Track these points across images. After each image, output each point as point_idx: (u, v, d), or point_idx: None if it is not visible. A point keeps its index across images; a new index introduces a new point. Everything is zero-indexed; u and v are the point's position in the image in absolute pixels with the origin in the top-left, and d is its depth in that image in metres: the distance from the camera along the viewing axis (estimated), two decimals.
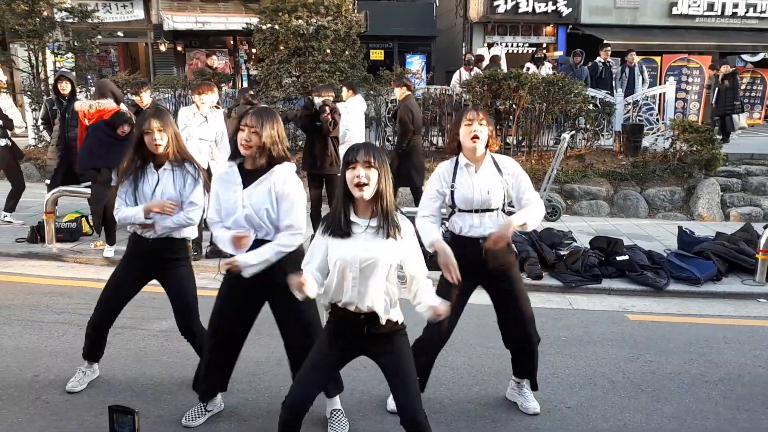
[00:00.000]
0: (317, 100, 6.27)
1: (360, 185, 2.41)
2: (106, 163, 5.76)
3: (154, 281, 3.49)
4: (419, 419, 2.51)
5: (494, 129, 3.35)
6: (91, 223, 6.68)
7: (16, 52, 12.98)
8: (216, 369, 3.19)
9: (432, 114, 10.28)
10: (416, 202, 6.85)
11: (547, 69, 11.87)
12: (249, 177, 2.92)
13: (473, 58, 12.38)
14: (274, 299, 3.05)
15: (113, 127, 5.86)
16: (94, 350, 3.59)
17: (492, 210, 3.21)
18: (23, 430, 3.13)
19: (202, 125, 6.04)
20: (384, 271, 2.47)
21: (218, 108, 6.34)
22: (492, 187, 3.18)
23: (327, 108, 6.22)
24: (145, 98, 6.69)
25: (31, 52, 10.89)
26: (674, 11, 16.39)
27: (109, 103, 6.32)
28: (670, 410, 3.54)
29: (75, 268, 6.00)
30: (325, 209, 6.62)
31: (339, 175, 7.45)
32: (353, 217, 2.49)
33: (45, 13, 10.70)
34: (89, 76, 12.23)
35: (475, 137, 3.14)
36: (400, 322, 2.60)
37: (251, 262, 2.84)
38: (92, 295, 4.72)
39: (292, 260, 2.86)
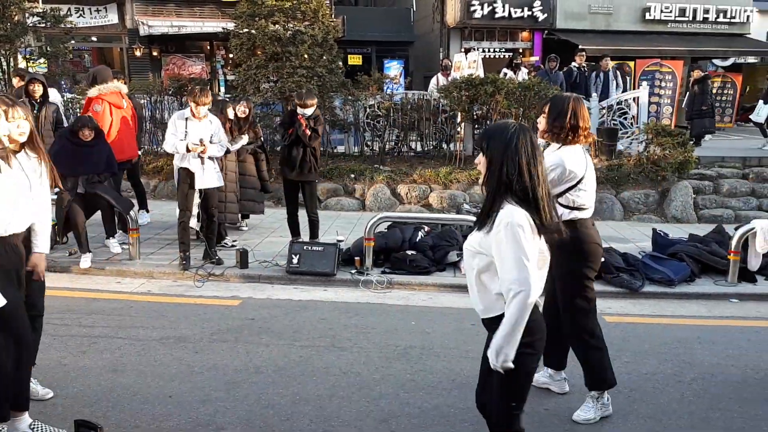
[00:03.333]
0: (306, 112, 6.22)
1: None
2: (68, 172, 5.67)
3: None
4: None
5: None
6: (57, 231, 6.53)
7: None
8: None
9: (410, 119, 10.31)
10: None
11: (523, 74, 11.99)
12: None
13: (450, 64, 12.45)
14: None
15: (75, 132, 5.78)
16: None
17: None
18: None
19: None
20: (472, 269, 2.41)
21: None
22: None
23: (303, 122, 6.19)
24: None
25: (2, 57, 10.68)
26: (647, 16, 16.66)
27: (119, 86, 6.78)
28: (645, 410, 3.59)
29: (49, 277, 5.87)
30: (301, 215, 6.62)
31: (316, 181, 7.06)
32: None
33: (16, 18, 10.49)
34: (62, 82, 12.04)
35: None
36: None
37: None
38: (66, 304, 4.65)
39: None
